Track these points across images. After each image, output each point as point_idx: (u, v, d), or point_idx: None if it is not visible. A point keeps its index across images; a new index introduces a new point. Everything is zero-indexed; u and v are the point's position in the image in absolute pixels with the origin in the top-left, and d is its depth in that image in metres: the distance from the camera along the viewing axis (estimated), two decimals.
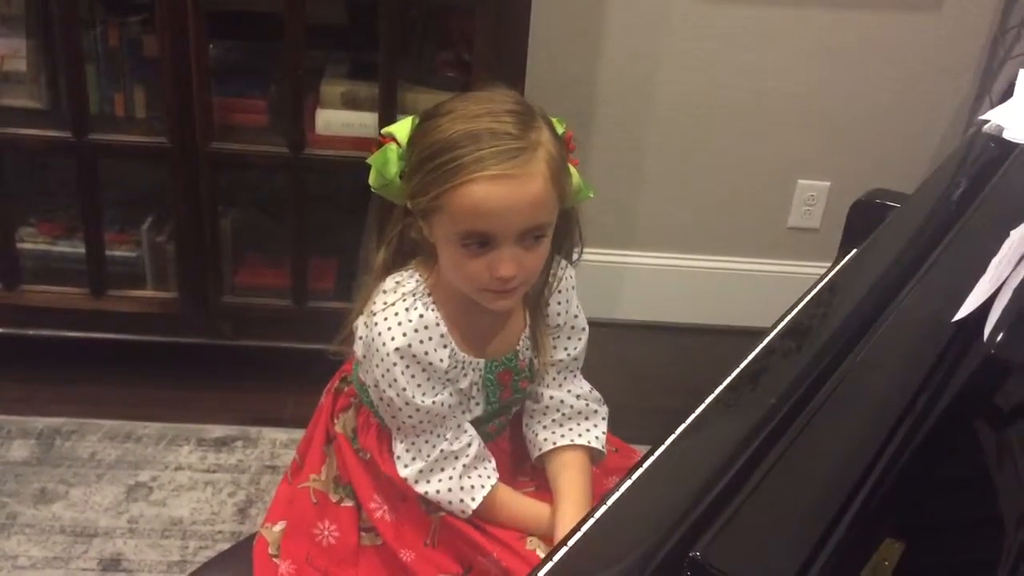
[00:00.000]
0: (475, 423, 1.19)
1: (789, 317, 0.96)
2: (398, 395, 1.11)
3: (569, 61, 2.21)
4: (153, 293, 2.07)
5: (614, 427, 1.33)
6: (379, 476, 1.18)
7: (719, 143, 2.31)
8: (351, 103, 1.95)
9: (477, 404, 1.18)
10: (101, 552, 1.76)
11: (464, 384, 1.16)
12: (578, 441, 1.21)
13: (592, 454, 1.22)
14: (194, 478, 1.92)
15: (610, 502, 0.70)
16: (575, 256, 1.21)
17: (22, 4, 1.91)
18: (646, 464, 0.73)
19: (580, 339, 1.23)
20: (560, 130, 1.10)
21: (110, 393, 2.08)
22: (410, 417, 1.12)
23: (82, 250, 2.00)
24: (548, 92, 2.17)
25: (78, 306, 2.02)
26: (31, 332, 2.04)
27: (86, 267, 2.01)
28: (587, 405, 1.23)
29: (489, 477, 1.16)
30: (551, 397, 1.22)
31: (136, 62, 1.94)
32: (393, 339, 1.09)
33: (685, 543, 0.61)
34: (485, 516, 1.16)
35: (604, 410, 1.26)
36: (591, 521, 0.68)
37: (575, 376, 1.25)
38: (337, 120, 1.94)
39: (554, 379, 1.23)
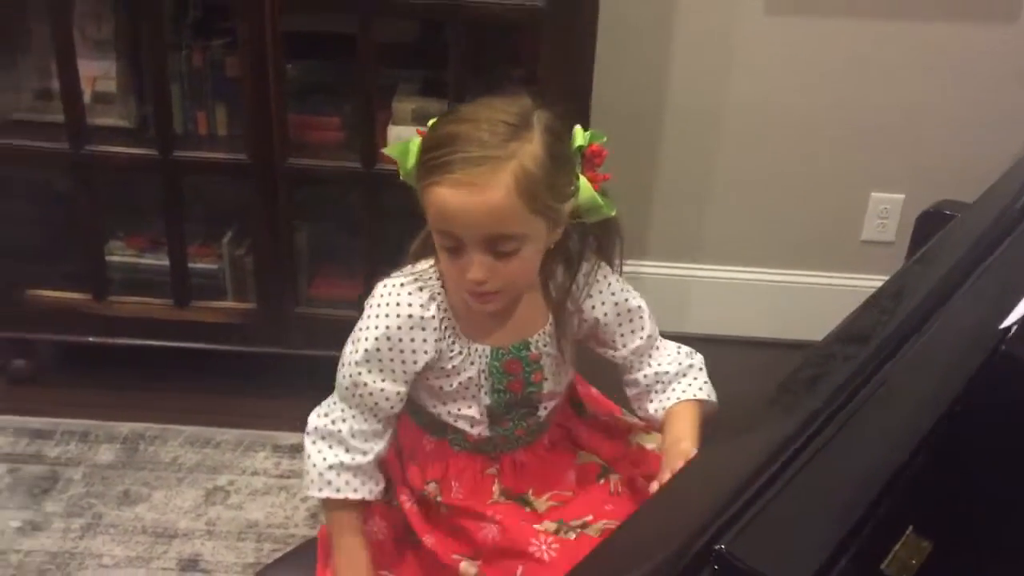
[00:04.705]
0: (499, 425, 1.20)
1: (841, 324, 0.97)
2: (353, 349, 1.16)
3: (636, 74, 2.22)
4: (233, 304, 2.15)
5: None
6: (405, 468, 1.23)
7: (790, 155, 2.30)
8: (421, 119, 1.99)
9: (485, 393, 1.19)
10: (180, 553, 1.82)
11: (470, 373, 1.17)
12: (683, 397, 1.20)
13: (701, 405, 1.21)
14: (269, 483, 1.98)
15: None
16: (616, 264, 1.21)
17: (112, 28, 2.01)
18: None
19: (642, 318, 1.21)
20: (579, 143, 1.10)
21: (191, 400, 2.16)
22: (345, 378, 1.16)
23: (166, 263, 2.09)
24: (615, 105, 2.18)
25: (162, 316, 2.11)
26: (118, 341, 2.12)
27: (170, 279, 2.09)
28: (680, 364, 1.22)
29: (355, 491, 1.17)
30: (645, 376, 1.22)
31: (218, 82, 2.03)
32: (386, 315, 1.14)
33: (718, 539, 0.62)
34: None
35: (699, 359, 1.24)
36: (627, 521, 0.69)
37: (658, 349, 1.24)
38: (408, 136, 1.99)
39: (640, 361, 1.22)
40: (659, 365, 1.22)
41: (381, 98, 1.98)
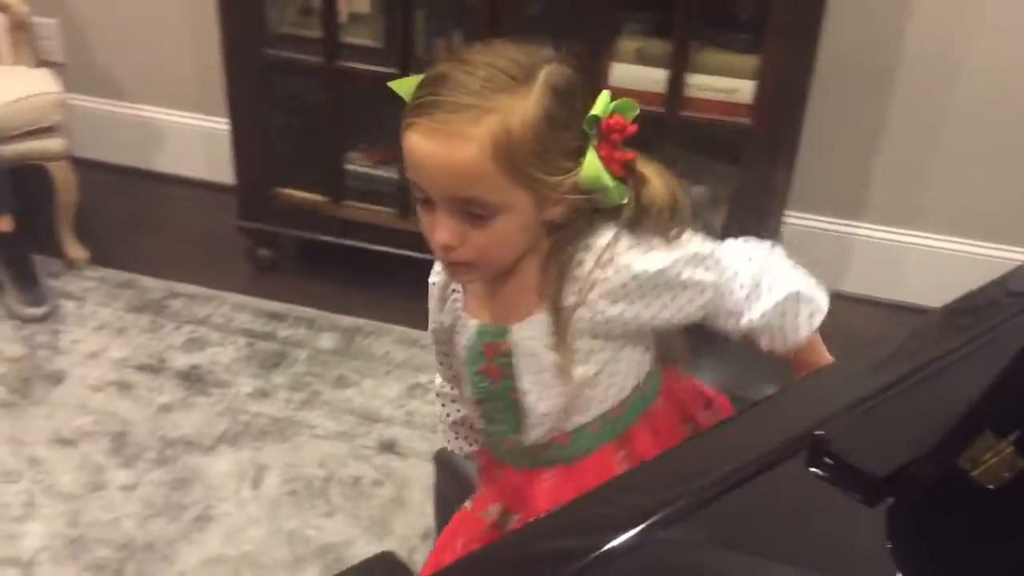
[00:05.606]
0: (492, 423, 1.11)
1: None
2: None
3: (870, 22, 2.17)
4: None
5: None
6: None
7: None
8: (645, 59, 2.06)
9: (469, 373, 1.08)
10: (381, 435, 2.02)
11: (463, 341, 1.07)
12: (781, 348, 1.02)
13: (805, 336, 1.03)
14: None
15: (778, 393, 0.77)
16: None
17: None
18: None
19: (698, 289, 0.99)
20: (596, 112, 0.93)
21: (406, 304, 2.29)
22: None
23: (396, 176, 2.27)
24: (846, 53, 2.14)
25: (387, 224, 2.30)
26: (348, 242, 2.34)
27: (397, 191, 2.27)
28: (775, 304, 1.00)
29: (448, 443, 1.24)
30: (740, 329, 1.02)
31: (460, 11, 2.18)
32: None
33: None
34: None
35: (775, 261, 1.02)
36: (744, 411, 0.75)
37: (733, 292, 1.00)
38: (629, 75, 2.06)
39: (721, 321, 1.02)
40: (749, 318, 1.00)
41: (608, 36, 2.05)
